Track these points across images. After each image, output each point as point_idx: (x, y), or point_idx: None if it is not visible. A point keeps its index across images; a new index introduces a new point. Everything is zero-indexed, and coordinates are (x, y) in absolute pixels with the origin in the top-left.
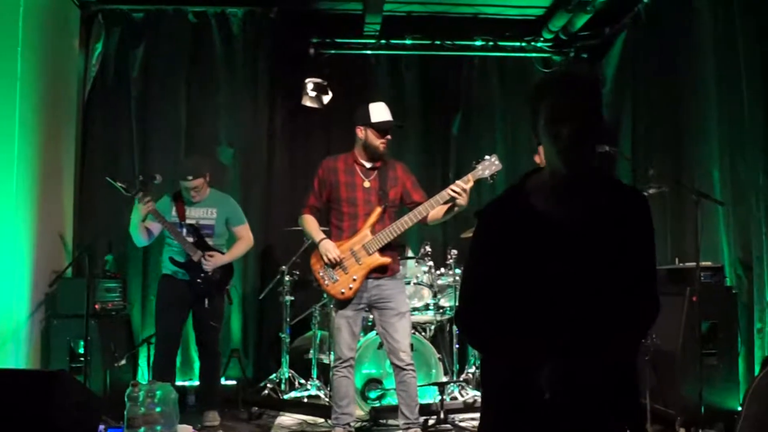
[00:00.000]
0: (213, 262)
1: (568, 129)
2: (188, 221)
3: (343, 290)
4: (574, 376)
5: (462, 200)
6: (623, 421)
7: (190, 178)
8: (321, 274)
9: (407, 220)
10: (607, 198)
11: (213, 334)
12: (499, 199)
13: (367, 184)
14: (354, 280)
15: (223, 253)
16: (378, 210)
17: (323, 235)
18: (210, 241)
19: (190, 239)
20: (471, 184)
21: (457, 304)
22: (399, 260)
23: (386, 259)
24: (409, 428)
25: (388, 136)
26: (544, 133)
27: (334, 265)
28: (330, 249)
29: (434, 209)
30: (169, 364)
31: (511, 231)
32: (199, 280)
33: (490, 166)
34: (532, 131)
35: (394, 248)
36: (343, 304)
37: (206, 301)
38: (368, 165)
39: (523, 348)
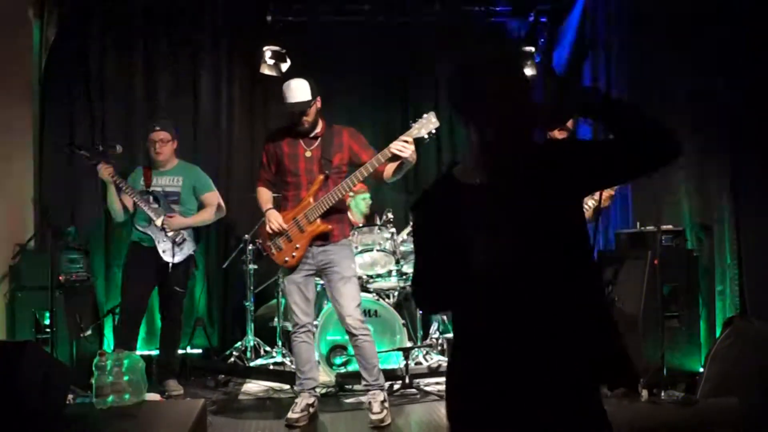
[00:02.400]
0: (173, 222)
1: (497, 111)
2: (153, 188)
3: (287, 258)
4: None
5: (409, 156)
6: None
7: (158, 128)
8: (268, 243)
9: (345, 185)
10: (535, 156)
11: (177, 301)
12: (426, 191)
13: (308, 153)
14: (297, 248)
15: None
16: (320, 178)
17: (270, 206)
18: (176, 208)
19: (155, 205)
20: (411, 141)
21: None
22: (348, 226)
23: (326, 226)
24: (369, 390)
25: (305, 117)
26: (473, 117)
27: (279, 234)
28: (272, 219)
29: (387, 169)
30: (132, 333)
31: (446, 210)
32: (162, 245)
33: (426, 124)
34: (459, 117)
35: (340, 214)
36: (290, 270)
37: (170, 266)
38: (309, 135)
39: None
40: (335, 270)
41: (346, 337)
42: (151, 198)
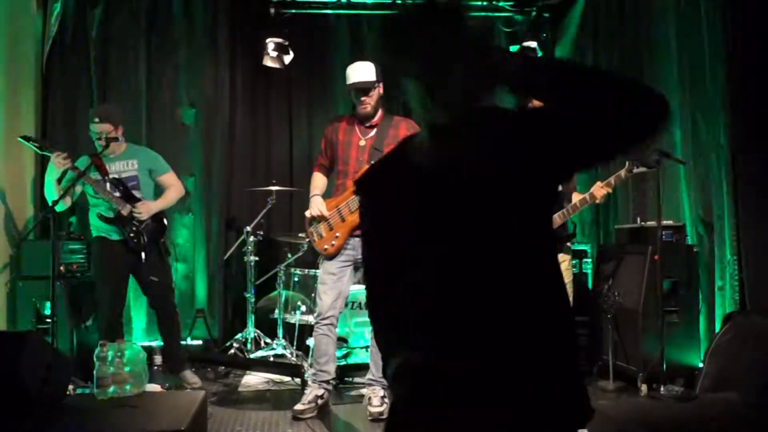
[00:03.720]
0: (146, 209)
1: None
2: (111, 175)
3: (326, 246)
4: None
5: None
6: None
7: (97, 120)
8: (311, 230)
9: None
10: (481, 129)
11: (160, 290)
12: (373, 166)
13: (362, 142)
14: (336, 236)
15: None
16: (365, 168)
17: (316, 192)
18: (138, 194)
19: (117, 193)
20: None
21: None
22: None
23: None
24: (371, 385)
25: (367, 98)
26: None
27: (321, 221)
28: (313, 205)
29: None
30: (115, 328)
31: (392, 194)
32: (132, 234)
33: None
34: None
35: None
36: (328, 260)
37: (143, 256)
38: (366, 123)
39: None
40: None
41: (347, 329)
42: (109, 185)
